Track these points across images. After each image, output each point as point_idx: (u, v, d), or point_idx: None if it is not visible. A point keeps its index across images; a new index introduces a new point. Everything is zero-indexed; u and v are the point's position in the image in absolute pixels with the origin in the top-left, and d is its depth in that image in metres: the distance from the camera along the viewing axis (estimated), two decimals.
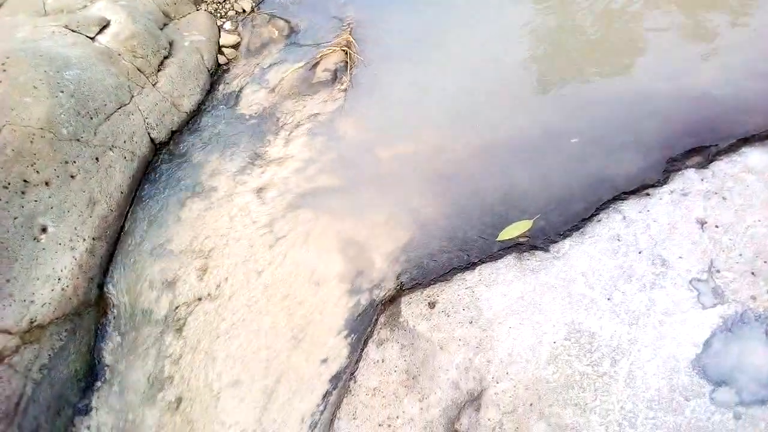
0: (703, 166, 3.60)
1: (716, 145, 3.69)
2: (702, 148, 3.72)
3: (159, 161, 4.38)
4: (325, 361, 3.29)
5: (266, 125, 4.52)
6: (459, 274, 3.35)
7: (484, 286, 3.23)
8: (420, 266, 3.47)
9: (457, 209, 3.69)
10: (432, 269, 3.42)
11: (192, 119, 4.68)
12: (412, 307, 3.24)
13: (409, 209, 3.79)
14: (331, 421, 3.08)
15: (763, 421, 2.47)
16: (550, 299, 3.05)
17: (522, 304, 3.09)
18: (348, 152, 4.27)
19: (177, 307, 3.67)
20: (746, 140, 3.71)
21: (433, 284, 3.36)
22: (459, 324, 3.09)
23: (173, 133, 4.49)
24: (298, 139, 4.34)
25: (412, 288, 3.39)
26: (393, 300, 3.37)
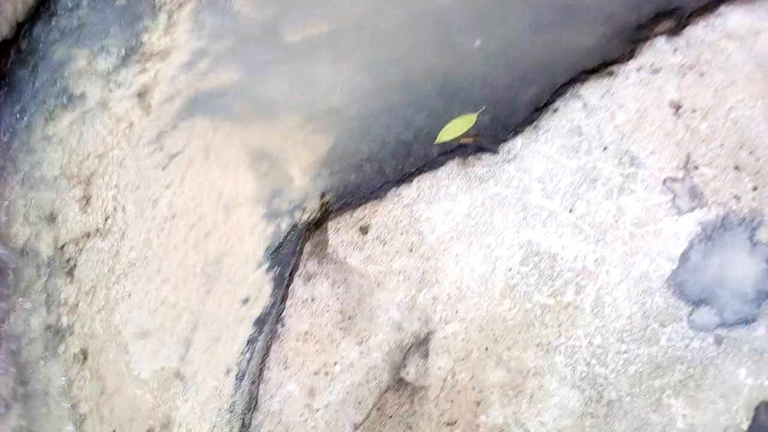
0: (675, 32, 2.93)
1: (690, 5, 2.98)
2: (673, 10, 3.01)
3: (7, 65, 3.34)
4: (245, 301, 2.70)
5: (140, 6, 3.47)
6: (393, 189, 2.72)
7: (424, 203, 2.63)
8: (346, 181, 2.82)
9: (386, 105, 2.98)
10: (361, 184, 2.78)
11: (43, 4, 3.55)
12: (341, 233, 2.63)
13: (329, 108, 3.05)
14: (260, 371, 2.56)
15: (746, 344, 2.08)
16: (502, 215, 2.50)
17: (469, 223, 2.52)
18: (247, 38, 3.36)
19: (62, 246, 2.94)
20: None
21: (364, 204, 2.74)
22: (397, 253, 2.51)
23: (20, 25, 3.40)
24: (183, 24, 3.36)
25: (340, 209, 2.76)
26: (319, 224, 2.75)
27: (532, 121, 2.88)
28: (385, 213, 2.75)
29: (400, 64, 3.24)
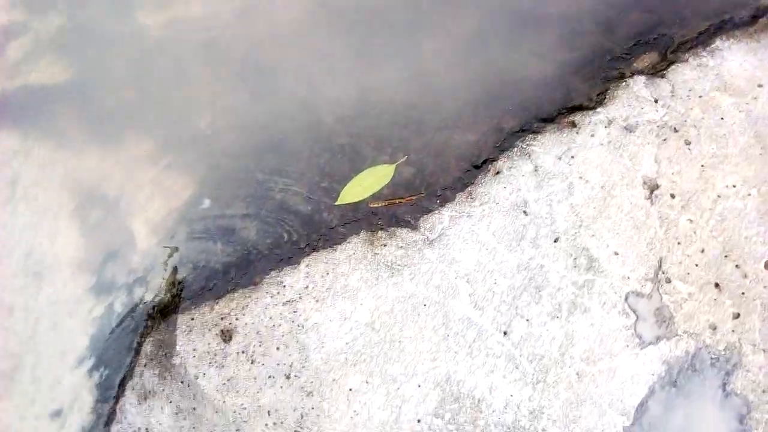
0: (658, 71, 2.17)
1: (678, 32, 2.22)
2: (657, 38, 2.22)
3: None
4: (57, 415, 1.88)
5: None
6: (274, 273, 1.91)
7: (312, 300, 1.84)
8: (210, 252, 1.96)
9: (276, 139, 2.20)
10: (230, 260, 1.93)
11: None
12: (194, 336, 1.85)
13: (195, 134, 2.13)
14: None
15: None
16: (416, 330, 1.84)
17: (372, 338, 1.81)
18: (87, 19, 2.30)
19: None
20: (722, 28, 2.26)
21: (232, 292, 1.90)
22: (269, 380, 1.78)
23: None
24: None
25: (197, 296, 1.92)
26: (166, 313, 1.94)
27: (466, 185, 2.08)
28: (258, 311, 1.94)
29: (296, 75, 2.31)
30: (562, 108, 2.27)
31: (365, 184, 2.20)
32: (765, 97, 2.18)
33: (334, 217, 2.16)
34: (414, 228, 2.11)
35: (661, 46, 2.37)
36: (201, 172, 2.27)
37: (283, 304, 2.02)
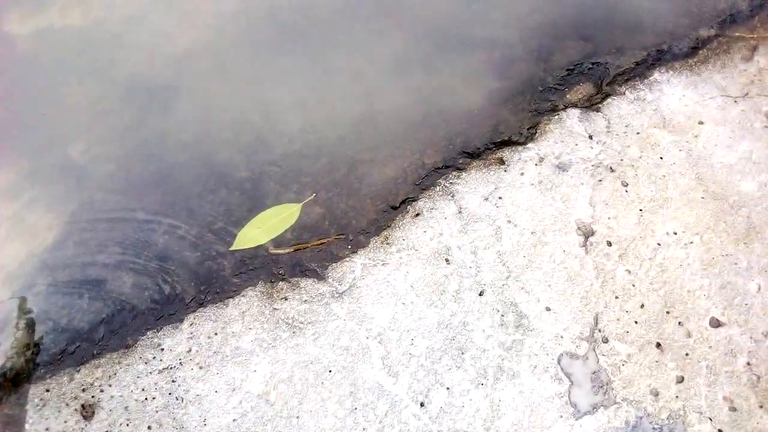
0: (593, 104, 1.94)
1: (614, 62, 2.02)
2: (592, 67, 2.01)
3: None
4: None
5: None
6: (150, 334, 1.52)
7: (195, 367, 1.48)
8: (74, 307, 1.60)
9: (158, 174, 1.87)
10: (97, 318, 1.56)
11: None
12: (47, 412, 1.55)
13: (64, 161, 1.84)
14: None
15: None
16: (318, 403, 1.59)
17: (263, 416, 1.49)
18: None
19: None
20: (661, 59, 2.07)
21: (98, 357, 1.52)
22: None
23: None
24: None
25: (55, 363, 1.53)
26: (17, 382, 1.51)
27: (382, 229, 1.78)
28: (128, 381, 1.57)
29: (195, 103, 1.97)
30: (489, 143, 2.02)
31: (266, 226, 1.88)
32: (706, 136, 1.99)
33: (227, 266, 1.81)
34: (320, 278, 1.79)
35: (596, 77, 2.17)
36: (70, 209, 1.89)
37: (159, 372, 1.66)
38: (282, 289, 1.82)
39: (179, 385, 1.67)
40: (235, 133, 2.03)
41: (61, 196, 1.93)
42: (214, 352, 1.72)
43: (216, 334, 1.74)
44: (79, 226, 1.89)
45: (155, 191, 1.94)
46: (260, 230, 1.90)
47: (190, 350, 1.72)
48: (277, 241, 1.89)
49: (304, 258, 1.87)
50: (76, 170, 1.96)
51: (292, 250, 1.88)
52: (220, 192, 1.95)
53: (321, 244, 1.88)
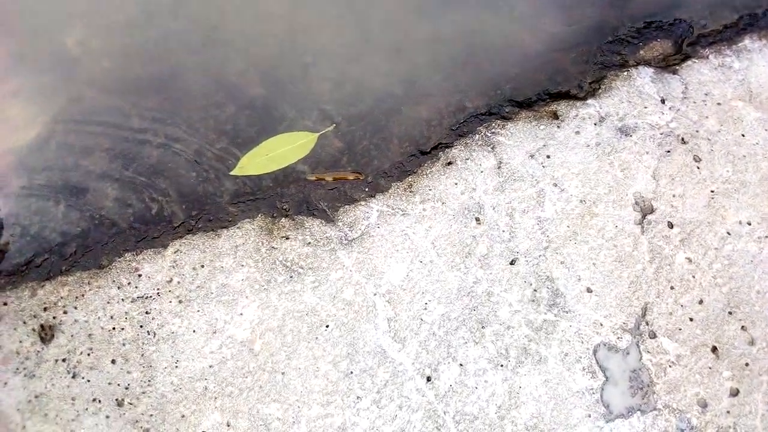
0: (669, 64, 1.63)
1: (699, 21, 1.72)
2: (674, 24, 1.69)
3: None
4: None
5: None
6: (129, 256, 1.32)
7: (174, 300, 1.31)
8: (48, 214, 1.46)
9: (160, 76, 1.77)
10: (71, 231, 1.37)
11: None
12: (1, 328, 1.24)
13: (57, 50, 1.74)
14: None
15: None
16: (308, 362, 1.45)
17: (244, 367, 1.38)
18: None
19: None
20: (754, 24, 1.76)
21: (66, 275, 1.27)
22: (92, 405, 1.35)
23: None
24: None
25: (18, 276, 1.29)
26: None
27: (406, 174, 1.53)
28: (97, 305, 1.38)
29: None
30: (543, 93, 1.73)
31: (275, 154, 1.61)
32: None
33: (224, 192, 1.56)
34: (329, 220, 1.53)
35: (676, 35, 1.84)
36: (57, 104, 1.64)
37: (133, 301, 1.42)
38: (284, 227, 1.56)
39: (153, 318, 1.43)
40: (252, 42, 1.75)
41: (48, 89, 1.67)
42: (198, 287, 1.47)
43: (202, 266, 1.49)
44: (64, 126, 1.64)
45: (154, 97, 1.68)
46: (267, 157, 1.63)
47: (170, 280, 1.47)
48: (316, 167, 1.62)
49: (313, 195, 1.60)
50: (69, 62, 1.70)
51: (331, 178, 1.62)
52: (227, 108, 1.68)
53: (358, 177, 1.62)
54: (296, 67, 1.77)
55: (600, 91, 1.79)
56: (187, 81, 1.73)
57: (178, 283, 1.50)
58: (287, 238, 1.57)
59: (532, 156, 1.68)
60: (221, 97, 1.72)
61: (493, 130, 1.72)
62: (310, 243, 1.56)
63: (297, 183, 1.65)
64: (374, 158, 1.68)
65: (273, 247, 1.55)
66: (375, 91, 1.75)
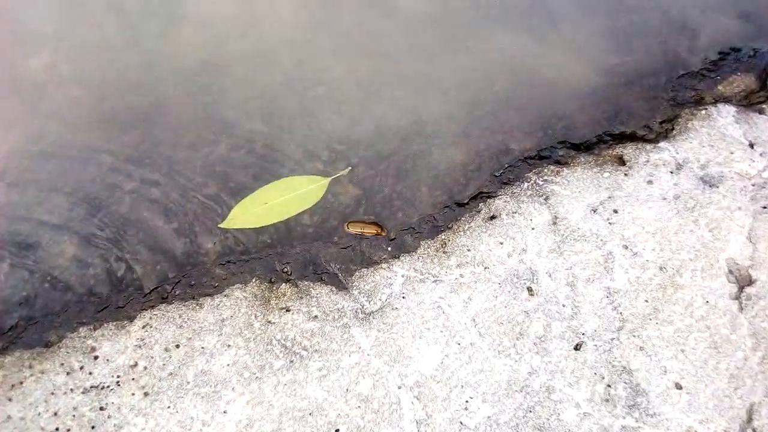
0: (753, 102, 1.29)
1: None
2: (756, 56, 1.35)
3: None
4: None
5: None
6: (84, 332, 0.91)
7: (138, 392, 0.91)
8: None
9: (140, 108, 1.36)
10: (14, 296, 0.95)
11: None
12: None
13: (21, 74, 1.19)
14: None
15: None
16: None
17: None
18: None
19: None
20: None
21: (2, 355, 0.84)
22: None
23: None
24: None
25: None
26: None
27: (439, 231, 1.19)
28: (38, 396, 1.00)
29: (206, 17, 1.38)
30: (604, 133, 1.40)
31: (275, 203, 1.28)
32: None
33: (211, 250, 1.21)
34: (342, 287, 1.18)
35: (759, 68, 1.51)
36: (13, 137, 1.30)
37: (85, 392, 1.06)
38: (284, 295, 1.20)
39: (110, 417, 1.06)
40: (252, 69, 1.43)
41: (5, 118, 1.34)
42: (170, 374, 1.10)
43: (178, 346, 1.13)
44: (18, 163, 1.30)
45: (131, 132, 1.36)
46: (266, 207, 1.29)
47: (135, 365, 1.11)
48: (352, 218, 1.29)
49: (322, 255, 1.25)
50: (33, 88, 1.38)
51: (374, 231, 1.28)
52: (219, 146, 1.35)
53: (381, 233, 1.29)
54: (305, 100, 1.45)
55: (674, 132, 1.45)
56: (171, 113, 1.41)
57: (145, 368, 1.13)
58: (288, 310, 1.21)
59: (594, 210, 1.33)
60: (212, 133, 1.40)
61: (545, 177, 1.38)
62: (317, 317, 1.20)
63: (303, 240, 1.30)
64: (398, 210, 1.34)
65: (269, 322, 1.19)
66: (399, 128, 1.43)
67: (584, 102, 1.52)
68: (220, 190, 1.36)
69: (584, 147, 1.47)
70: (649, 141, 1.47)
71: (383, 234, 1.34)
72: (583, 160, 1.45)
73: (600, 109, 1.51)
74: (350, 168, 1.41)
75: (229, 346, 1.20)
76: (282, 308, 1.25)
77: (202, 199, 1.34)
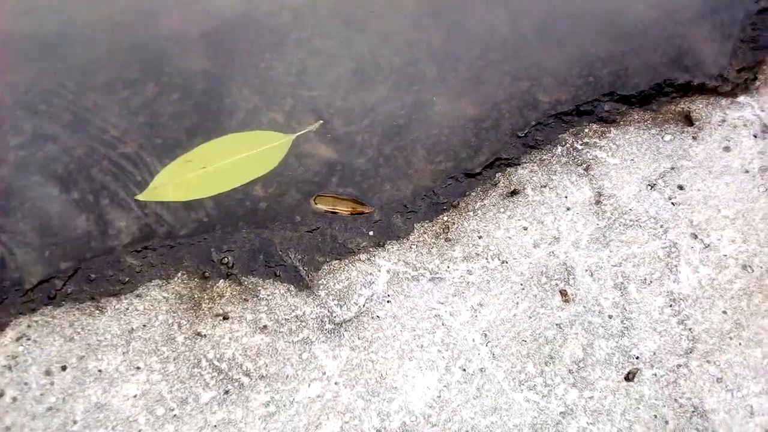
0: None
1: None
2: None
3: None
4: None
5: None
6: None
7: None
8: None
9: (31, 31, 0.85)
10: None
11: None
12: None
13: None
14: None
15: None
16: None
17: None
18: None
19: None
20: None
21: None
22: None
23: None
24: None
25: None
26: None
27: (440, 209, 0.77)
28: None
29: None
30: (664, 83, 1.01)
31: (218, 167, 0.92)
32: None
33: (121, 231, 0.83)
34: (303, 286, 0.82)
35: None
36: None
37: None
38: (221, 296, 0.83)
39: None
40: None
41: None
42: (50, 410, 0.76)
43: (64, 368, 0.80)
44: None
45: (23, 66, 0.97)
46: (204, 172, 0.92)
47: (1, 395, 0.74)
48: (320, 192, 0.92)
49: (279, 241, 0.87)
50: None
51: (350, 209, 0.91)
52: (145, 87, 0.96)
53: (360, 211, 0.92)
54: (265, 28, 1.06)
55: (757, 83, 1.06)
56: (81, 43, 1.03)
57: (15, 400, 0.77)
58: (226, 318, 0.84)
59: (652, 185, 0.96)
60: (136, 70, 1.01)
61: (585, 140, 1.00)
62: (266, 328, 0.83)
63: (252, 219, 0.92)
64: (385, 180, 0.96)
65: (198, 334, 0.82)
66: (390, 71, 1.04)
67: (639, 42, 1.13)
68: (142, 148, 0.98)
69: (638, 100, 1.08)
70: (724, 94, 1.09)
71: (364, 212, 0.96)
72: (636, 117, 1.07)
73: (659, 52, 1.13)
74: (321, 122, 1.03)
75: (138, 368, 0.83)
76: (218, 315, 0.88)
77: (116, 160, 0.96)
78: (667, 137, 1.09)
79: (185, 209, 0.99)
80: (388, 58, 1.14)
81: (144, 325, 0.91)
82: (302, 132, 1.07)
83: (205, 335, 0.91)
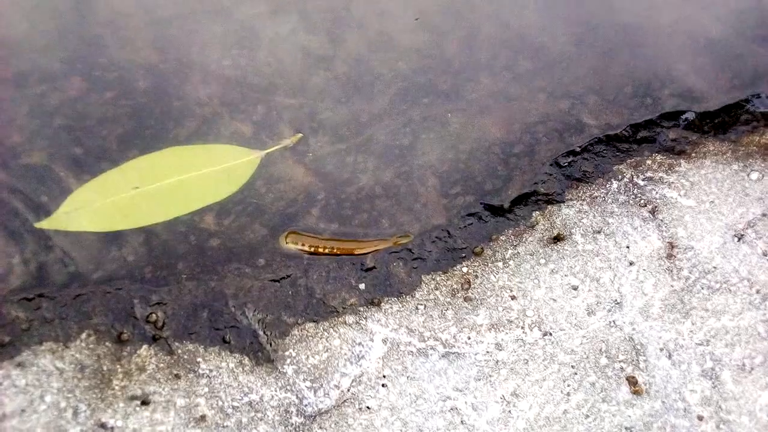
0: None
1: None
2: None
3: None
4: None
5: None
6: None
7: None
8: None
9: None
10: None
11: None
12: None
13: None
14: None
15: None
16: None
17: None
18: None
19: None
20: None
21: None
22: None
23: None
24: None
25: None
26: None
27: (456, 257, 0.66)
28: None
29: None
30: (741, 107, 0.75)
31: (155, 188, 0.61)
32: None
33: (8, 272, 0.51)
34: (263, 359, 0.50)
35: None
36: None
37: None
38: (142, 368, 0.55)
39: None
40: None
41: None
42: None
43: None
44: None
45: None
46: (136, 194, 0.64)
47: None
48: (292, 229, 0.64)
49: (231, 292, 0.58)
50: None
51: (330, 249, 0.63)
52: (69, 82, 0.70)
53: (375, 250, 0.63)
54: (232, 15, 0.81)
55: None
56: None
57: None
58: (145, 403, 0.53)
59: (740, 237, 0.70)
60: (58, 60, 0.75)
61: (649, 174, 0.74)
62: (203, 419, 0.52)
63: (197, 261, 0.65)
64: (382, 216, 0.70)
65: (102, 427, 0.52)
66: (393, 77, 0.78)
67: (705, 59, 0.89)
68: (54, 160, 0.70)
69: (712, 127, 0.83)
70: None
71: (352, 253, 0.69)
72: (712, 149, 0.81)
73: (729, 70, 0.89)
74: (300, 136, 0.77)
75: None
76: (134, 397, 0.59)
77: (20, 173, 0.68)
78: (754, 175, 0.84)
79: (104, 243, 0.71)
80: (389, 61, 0.90)
81: (22, 411, 0.61)
82: (274, 148, 0.81)
83: (112, 428, 0.61)
